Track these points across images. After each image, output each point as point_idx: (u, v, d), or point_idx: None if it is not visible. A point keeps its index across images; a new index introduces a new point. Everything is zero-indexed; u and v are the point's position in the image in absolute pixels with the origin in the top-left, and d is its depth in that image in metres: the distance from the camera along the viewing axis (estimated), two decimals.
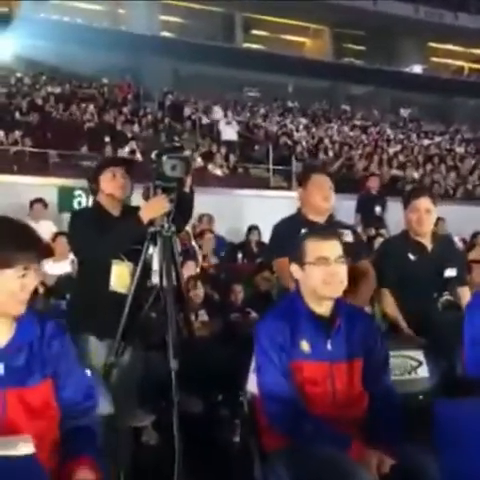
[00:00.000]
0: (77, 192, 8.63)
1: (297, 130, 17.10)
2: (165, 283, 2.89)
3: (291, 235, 2.61)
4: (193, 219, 7.93)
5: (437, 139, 19.27)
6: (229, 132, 14.36)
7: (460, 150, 17.85)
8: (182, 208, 3.00)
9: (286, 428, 2.08)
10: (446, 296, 3.11)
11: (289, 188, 11.36)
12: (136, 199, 3.18)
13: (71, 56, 17.78)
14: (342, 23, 25.42)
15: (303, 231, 2.70)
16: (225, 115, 15.95)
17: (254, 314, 4.80)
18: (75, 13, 21.84)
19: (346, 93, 26.05)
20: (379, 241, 6.31)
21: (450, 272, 3.24)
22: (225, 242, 8.28)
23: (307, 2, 21.94)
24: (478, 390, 2.30)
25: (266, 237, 3.77)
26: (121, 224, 2.98)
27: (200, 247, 6.88)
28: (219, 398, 3.69)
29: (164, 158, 2.83)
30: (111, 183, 3.10)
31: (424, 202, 3.34)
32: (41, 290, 5.38)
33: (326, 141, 16.07)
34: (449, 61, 29.24)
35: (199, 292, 4.95)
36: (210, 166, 12.36)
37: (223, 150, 13.29)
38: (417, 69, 27.02)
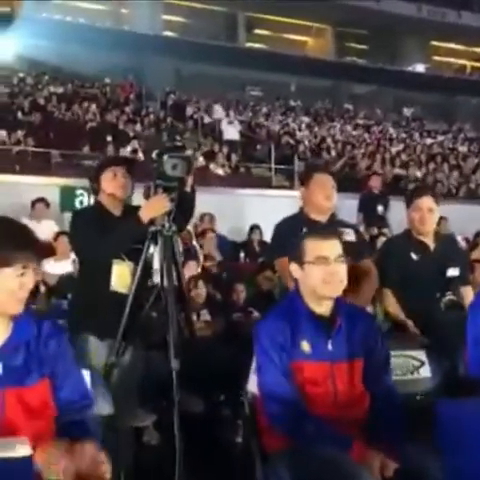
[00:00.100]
0: (79, 192, 8.62)
1: (299, 129, 17.08)
2: (166, 283, 2.88)
3: (293, 234, 2.60)
4: (195, 218, 7.93)
5: (440, 138, 19.23)
6: (231, 131, 14.35)
7: (463, 149, 17.82)
8: (183, 207, 2.99)
9: (287, 428, 2.07)
10: (449, 296, 3.09)
11: (291, 187, 11.35)
12: (137, 198, 3.17)
13: (73, 56, 17.82)
14: (345, 22, 25.41)
15: (304, 230, 2.68)
16: (227, 114, 15.94)
17: (256, 314, 4.79)
18: (77, 13, 21.88)
19: (349, 92, 26.03)
20: (381, 240, 6.28)
21: (453, 272, 3.22)
22: (227, 241, 8.27)
23: (309, 1, 21.93)
24: None
25: (268, 236, 3.76)
26: (122, 224, 2.97)
27: (201, 246, 6.87)
28: (221, 398, 3.67)
29: (165, 157, 2.82)
30: (112, 183, 3.09)
31: (427, 201, 3.32)
32: (42, 289, 5.38)
33: (329, 140, 16.05)
34: (452, 60, 29.20)
35: (201, 292, 4.94)
36: (212, 165, 12.35)
37: (225, 149, 13.28)
38: (420, 68, 27.00)
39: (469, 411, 2.03)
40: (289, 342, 2.12)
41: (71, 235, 3.28)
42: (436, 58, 28.62)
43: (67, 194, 8.79)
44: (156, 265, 3.00)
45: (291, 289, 2.38)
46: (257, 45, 25.68)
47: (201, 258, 6.41)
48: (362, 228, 7.34)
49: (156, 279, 3.07)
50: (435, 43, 27.93)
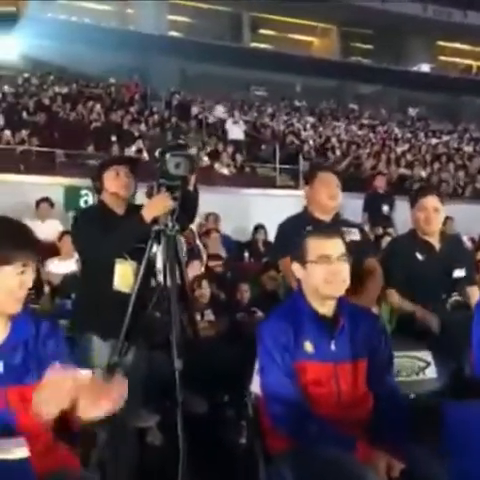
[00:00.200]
0: (83, 191, 8.61)
1: (304, 129, 17.06)
2: (169, 282, 2.86)
3: (296, 234, 2.57)
4: (199, 218, 7.92)
5: (445, 138, 19.17)
6: (236, 131, 14.33)
7: (468, 149, 17.74)
8: (186, 207, 2.97)
9: (290, 429, 2.05)
10: (455, 297, 3.06)
11: (296, 187, 11.31)
12: (140, 198, 3.15)
13: (78, 56, 17.85)
14: (350, 22, 25.38)
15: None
16: (232, 114, 15.93)
17: (260, 313, 4.76)
18: (83, 13, 21.92)
19: (354, 92, 26.00)
20: (386, 240, 6.25)
21: (459, 272, 3.18)
22: (231, 241, 8.25)
23: (314, 1, 21.91)
24: None
25: (272, 236, 3.75)
26: (124, 223, 2.95)
27: (205, 246, 6.85)
28: (225, 399, 3.65)
29: (168, 156, 2.80)
30: (115, 182, 3.07)
31: (432, 201, 3.28)
32: (47, 289, 5.37)
33: (333, 140, 16.02)
34: (457, 60, 29.10)
35: (205, 292, 4.92)
36: (217, 165, 12.34)
37: (230, 149, 13.27)
38: (425, 68, 26.93)
39: (476, 413, 2.01)
40: (292, 342, 2.10)
41: (73, 234, 3.26)
42: (442, 58, 28.53)
43: (71, 194, 8.79)
44: (159, 265, 2.98)
45: (295, 289, 2.35)
46: (262, 45, 25.66)
47: (204, 257, 6.39)
48: (367, 228, 7.31)
49: (160, 279, 3.05)
50: (441, 43, 27.86)
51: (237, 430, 3.43)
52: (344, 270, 2.13)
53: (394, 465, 1.89)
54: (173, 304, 2.79)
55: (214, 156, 12.72)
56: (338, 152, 14.96)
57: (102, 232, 2.85)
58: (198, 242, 6.65)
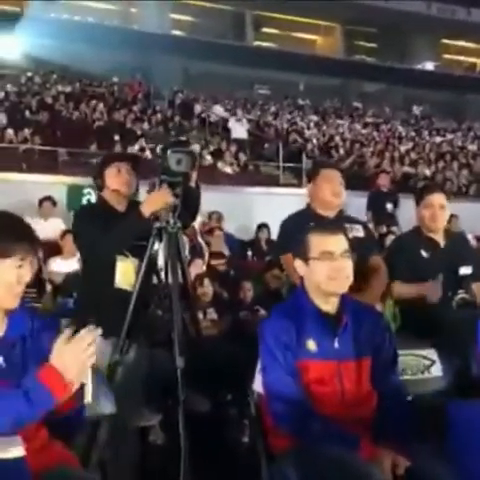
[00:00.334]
0: (86, 190, 8.59)
1: (308, 128, 17.02)
2: (170, 280, 2.83)
3: (299, 230, 2.54)
4: (202, 216, 7.91)
5: (449, 136, 19.11)
6: (239, 130, 14.31)
7: (473, 147, 17.68)
8: (188, 203, 2.93)
9: (292, 428, 2.02)
10: (461, 294, 3.02)
11: (299, 185, 11.29)
12: (143, 196, 3.11)
13: (81, 55, 17.88)
14: (353, 20, 25.35)
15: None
16: (235, 113, 15.91)
17: (263, 312, 4.73)
18: (86, 12, 21.95)
19: (358, 91, 25.97)
20: (390, 239, 6.22)
21: (465, 270, 3.15)
22: (234, 240, 8.23)
23: (318, 0, 21.86)
24: None
25: (276, 235, 3.73)
26: (124, 220, 2.92)
27: (208, 244, 6.83)
28: (228, 398, 3.62)
29: (169, 152, 2.76)
30: (116, 179, 3.05)
31: (438, 198, 3.26)
32: (49, 288, 5.36)
33: (337, 138, 15.99)
34: (461, 58, 29.02)
35: (208, 290, 4.90)
36: (220, 164, 12.32)
37: (233, 148, 13.25)
38: (429, 66, 26.90)
39: None
40: (294, 341, 2.07)
41: (74, 232, 3.24)
42: (446, 56, 28.47)
43: (74, 192, 8.78)
44: (161, 262, 2.95)
45: (297, 286, 2.31)
46: (265, 44, 25.63)
47: (206, 255, 6.36)
48: (371, 226, 7.27)
49: (161, 276, 3.02)
50: (445, 41, 27.80)
51: (240, 429, 3.41)
52: (347, 266, 2.10)
53: (399, 463, 1.87)
54: (175, 302, 2.76)
55: (217, 155, 12.70)
56: (342, 151, 14.92)
57: (102, 229, 2.81)
58: (200, 240, 6.62)
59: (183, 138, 2.98)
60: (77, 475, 1.75)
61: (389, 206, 8.83)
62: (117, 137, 12.08)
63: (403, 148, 16.30)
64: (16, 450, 1.44)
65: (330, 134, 16.58)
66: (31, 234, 1.78)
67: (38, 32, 17.22)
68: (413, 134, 18.76)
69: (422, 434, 2.07)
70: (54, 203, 7.68)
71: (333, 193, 3.17)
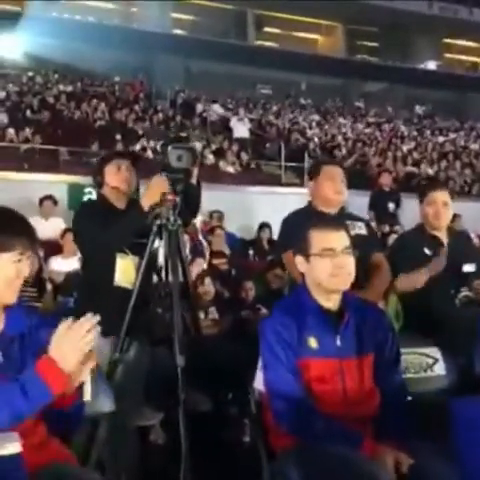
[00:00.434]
0: (87, 189, 8.57)
1: (310, 127, 17.00)
2: (171, 277, 2.80)
3: (301, 227, 2.52)
4: (203, 215, 7.89)
5: (452, 136, 19.07)
6: (241, 129, 14.30)
7: (475, 147, 17.65)
8: (189, 200, 2.91)
9: (293, 426, 1.99)
10: (464, 292, 3.00)
11: (301, 185, 11.27)
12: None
13: (82, 54, 17.88)
14: (355, 20, 25.34)
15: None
16: (237, 113, 15.90)
17: (265, 311, 4.71)
18: (87, 11, 21.95)
19: (360, 90, 25.95)
20: (393, 238, 6.19)
21: (469, 267, 3.13)
22: (236, 239, 8.21)
23: None
24: None
25: (277, 234, 3.71)
26: (123, 217, 2.89)
27: (209, 243, 6.81)
28: (229, 397, 3.60)
29: (169, 148, 2.74)
30: (116, 176, 3.04)
31: (441, 195, 3.24)
32: (49, 287, 5.33)
33: (339, 138, 15.96)
34: (464, 57, 28.98)
35: (209, 289, 4.87)
36: (222, 163, 12.31)
37: (235, 147, 13.24)
38: (431, 65, 26.85)
39: None
40: (295, 339, 2.04)
41: (74, 230, 3.22)
42: (448, 55, 28.43)
43: (75, 192, 8.76)
44: (161, 260, 2.93)
45: (299, 283, 2.29)
46: (267, 43, 25.62)
47: (207, 254, 6.34)
48: (373, 225, 7.25)
49: (162, 274, 3.00)
50: (447, 40, 27.77)
51: (240, 428, 3.39)
52: (349, 263, 2.07)
53: (402, 461, 1.85)
54: (175, 300, 2.73)
55: (219, 154, 12.69)
56: (344, 150, 14.90)
57: (102, 226, 2.79)
58: (201, 238, 6.60)
59: (184, 134, 2.93)
60: (74, 473, 1.73)
61: (391, 205, 8.82)
62: (118, 136, 12.08)
63: (405, 147, 16.27)
64: (12, 446, 1.43)
65: (332, 133, 16.57)
66: (30, 230, 1.79)
67: (39, 31, 17.23)
68: (415, 133, 18.73)
69: (425, 432, 2.05)
70: (55, 202, 7.67)
71: (335, 191, 3.14)
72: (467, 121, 22.27)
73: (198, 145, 10.21)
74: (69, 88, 15.59)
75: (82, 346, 1.59)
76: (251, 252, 8.01)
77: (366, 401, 2.05)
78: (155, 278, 3.05)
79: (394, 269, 3.11)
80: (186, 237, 5.00)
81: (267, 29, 26.06)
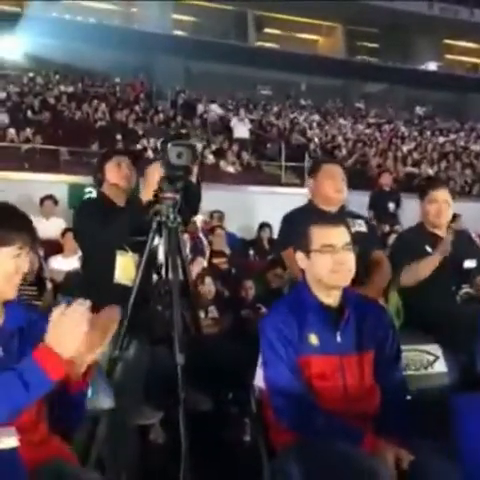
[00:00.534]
0: (88, 189, 8.58)
1: (310, 128, 17.00)
2: (171, 276, 2.79)
3: (301, 225, 2.51)
4: (204, 215, 7.89)
5: (452, 136, 19.07)
6: (241, 130, 14.30)
7: (476, 147, 17.64)
8: (189, 198, 2.90)
9: (294, 423, 1.98)
10: (465, 289, 3.00)
11: (302, 185, 11.27)
12: None
13: (83, 55, 17.86)
14: (355, 20, 25.31)
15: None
16: (237, 113, 15.91)
17: (264, 310, 4.70)
18: (87, 12, 21.96)
19: (360, 91, 25.93)
20: (393, 237, 6.18)
21: (470, 263, 3.12)
22: (236, 239, 8.21)
23: (320, 0, 21.84)
24: None
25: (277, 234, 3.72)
26: (122, 213, 2.89)
27: (210, 243, 6.81)
28: (229, 396, 3.59)
29: (169, 146, 2.73)
30: (116, 173, 3.05)
31: (442, 193, 3.24)
32: (49, 286, 5.33)
33: (340, 139, 15.96)
34: (464, 58, 28.96)
35: (210, 288, 4.87)
36: (222, 163, 12.31)
37: (235, 147, 13.24)
38: (432, 66, 26.82)
39: None
40: (296, 336, 2.04)
41: (74, 228, 3.23)
42: (448, 56, 28.40)
43: (76, 191, 8.78)
44: (161, 257, 2.92)
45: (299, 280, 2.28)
46: (267, 44, 25.61)
47: (207, 252, 6.34)
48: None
49: (161, 272, 2.99)
50: (447, 41, 27.74)
51: (241, 428, 3.38)
52: (349, 259, 2.06)
53: (403, 457, 1.84)
54: (175, 297, 2.72)
55: (219, 154, 12.69)
56: (344, 150, 14.90)
57: (101, 223, 2.79)
58: (201, 236, 6.59)
59: (184, 131, 2.93)
60: (74, 472, 1.72)
61: (391, 205, 8.82)
62: (119, 137, 12.09)
63: (406, 148, 16.26)
64: (9, 441, 1.42)
65: (332, 134, 16.56)
66: (30, 225, 1.79)
67: (40, 32, 17.23)
68: (416, 134, 18.72)
69: (426, 430, 2.04)
70: (55, 202, 7.69)
71: (335, 189, 3.14)
72: (467, 122, 22.24)
73: (199, 145, 10.19)
74: (70, 89, 15.59)
75: (78, 330, 1.58)
76: (251, 252, 8.01)
77: (366, 398, 2.04)
78: (155, 276, 3.05)
79: (396, 266, 3.10)
80: (186, 236, 5.00)
81: (267, 30, 26.06)
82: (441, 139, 18.39)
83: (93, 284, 2.97)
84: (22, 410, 1.56)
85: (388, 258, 3.19)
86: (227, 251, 6.88)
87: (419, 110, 24.17)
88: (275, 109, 18.99)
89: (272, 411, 2.05)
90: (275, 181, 12.49)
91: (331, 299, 2.10)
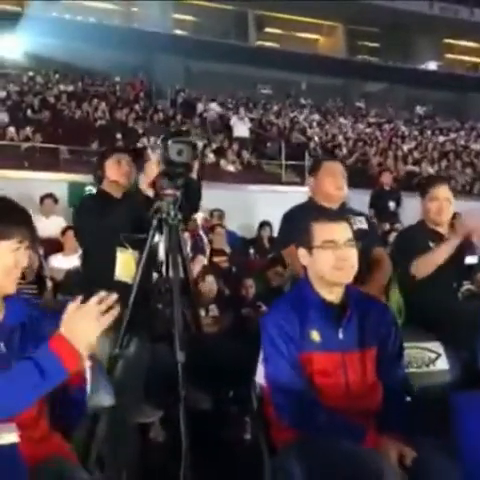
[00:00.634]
0: (87, 187, 8.56)
1: (310, 127, 16.99)
2: (171, 273, 2.78)
3: (302, 222, 2.50)
4: (204, 213, 7.87)
5: (452, 135, 19.06)
6: (241, 129, 14.29)
7: (476, 147, 17.65)
8: (189, 195, 2.89)
9: (295, 419, 1.97)
10: (467, 285, 2.98)
11: (302, 184, 11.26)
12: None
13: (83, 54, 17.84)
14: (356, 20, 25.28)
15: None
16: (237, 112, 15.90)
17: (265, 308, 4.69)
18: (88, 12, 21.94)
19: (360, 90, 25.91)
20: (394, 236, 6.16)
21: (471, 259, 3.11)
22: (237, 237, 8.19)
23: None
24: None
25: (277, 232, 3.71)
26: (119, 205, 2.89)
27: (210, 241, 6.79)
28: (229, 395, 3.58)
29: (170, 143, 2.72)
30: (116, 170, 3.05)
31: (443, 191, 3.22)
32: (49, 285, 5.32)
33: (340, 138, 15.96)
34: (464, 57, 28.94)
35: (213, 287, 4.86)
36: (222, 162, 12.30)
37: (235, 146, 13.23)
38: (432, 66, 26.80)
39: None
40: (298, 333, 2.02)
41: (74, 225, 3.23)
42: (448, 56, 28.38)
43: (75, 190, 8.77)
44: (161, 254, 2.91)
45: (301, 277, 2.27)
46: (268, 43, 25.59)
47: (208, 250, 6.32)
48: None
49: (162, 269, 2.98)
50: (447, 41, 27.72)
51: (241, 426, 3.37)
52: (352, 256, 2.05)
53: (406, 453, 1.82)
54: (175, 295, 2.71)
55: (220, 153, 12.68)
56: (344, 149, 14.90)
57: (99, 216, 2.80)
58: (202, 233, 6.57)
59: (184, 128, 2.92)
60: (73, 470, 1.71)
61: (391, 204, 8.83)
62: (119, 136, 12.08)
63: (406, 147, 16.27)
64: (9, 436, 1.41)
65: (333, 133, 16.56)
66: (29, 220, 1.79)
67: (40, 31, 17.21)
68: (416, 133, 18.72)
69: (427, 427, 2.03)
70: (55, 200, 7.66)
71: (336, 186, 3.14)
72: (468, 121, 22.24)
73: (200, 144, 10.17)
74: (70, 88, 15.58)
75: (96, 326, 1.57)
76: (252, 251, 7.99)
77: (369, 394, 2.03)
78: (155, 274, 3.04)
79: (400, 262, 3.08)
80: (186, 235, 4.98)
81: (268, 29, 26.03)
82: (441, 138, 18.39)
83: (93, 282, 2.94)
84: (36, 400, 1.55)
85: (390, 255, 3.18)
86: (227, 250, 6.87)
87: (419, 109, 24.16)
88: (275, 108, 18.99)
89: (273, 408, 2.04)
90: (275, 180, 12.48)
91: (333, 296, 2.08)
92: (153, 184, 2.85)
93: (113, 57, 19.28)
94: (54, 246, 6.34)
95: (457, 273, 3.05)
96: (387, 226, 8.05)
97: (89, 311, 1.56)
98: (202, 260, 5.59)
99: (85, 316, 1.56)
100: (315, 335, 2.03)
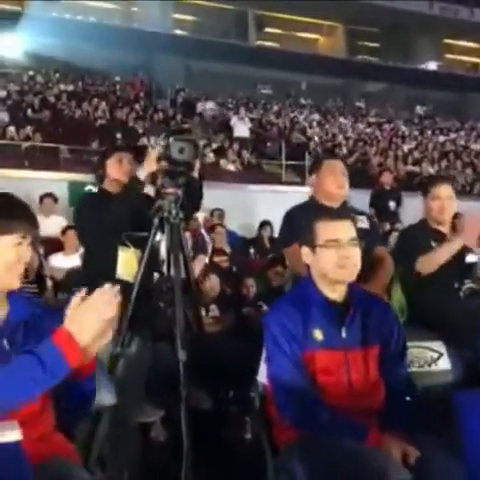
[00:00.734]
0: (88, 187, 8.55)
1: (310, 127, 16.99)
2: (173, 272, 2.78)
3: (304, 221, 2.49)
4: (204, 213, 7.86)
5: (452, 136, 19.06)
6: (241, 129, 14.28)
7: (476, 147, 17.64)
8: (191, 194, 2.89)
9: (297, 418, 1.96)
10: (468, 284, 2.97)
11: (302, 183, 11.26)
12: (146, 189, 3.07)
13: (83, 53, 17.83)
14: (356, 20, 25.27)
15: None
16: (237, 112, 15.89)
17: (266, 308, 4.68)
18: (88, 11, 21.93)
19: (360, 90, 25.91)
20: (394, 236, 6.17)
21: (472, 257, 3.10)
22: (237, 237, 8.19)
23: None
24: None
25: (278, 232, 3.70)
26: (117, 200, 2.89)
27: (212, 241, 6.78)
28: (230, 394, 3.58)
29: (171, 140, 2.71)
30: (118, 169, 3.05)
31: (445, 190, 3.22)
32: (50, 284, 5.31)
33: (340, 137, 15.95)
34: (464, 57, 28.94)
35: (216, 285, 4.86)
36: (222, 162, 12.29)
37: (235, 146, 13.22)
38: (432, 66, 26.80)
39: None
40: (300, 331, 2.02)
41: (75, 223, 3.22)
42: (448, 56, 28.38)
43: (75, 189, 8.75)
44: (163, 253, 2.90)
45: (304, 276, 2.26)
46: (268, 43, 25.58)
47: (209, 249, 6.32)
48: None
49: (164, 268, 2.97)
50: (447, 41, 27.71)
51: (242, 426, 3.36)
52: (355, 254, 2.05)
53: (410, 452, 1.81)
54: (177, 294, 2.71)
55: (220, 153, 12.67)
56: (345, 149, 14.90)
57: (97, 211, 2.80)
58: (203, 232, 6.56)
59: (185, 126, 2.92)
60: (74, 469, 1.70)
61: (392, 204, 8.82)
62: (119, 135, 12.07)
63: (406, 147, 16.26)
64: (12, 434, 1.40)
65: (333, 133, 16.56)
66: (31, 214, 1.79)
67: (40, 31, 17.20)
68: (416, 133, 18.72)
69: (430, 426, 2.02)
70: (55, 200, 7.65)
71: (337, 185, 3.13)
72: (468, 121, 22.23)
73: (201, 142, 10.19)
74: (70, 87, 15.58)
75: (104, 317, 1.55)
76: (252, 250, 7.99)
77: (371, 393, 2.03)
78: (156, 273, 3.03)
79: (404, 259, 3.07)
80: (187, 234, 4.97)
81: (268, 29, 26.02)
82: (441, 138, 18.38)
83: (94, 280, 2.94)
84: (38, 394, 1.54)
85: (393, 253, 3.18)
86: (228, 249, 6.87)
87: (419, 109, 24.16)
88: (275, 108, 18.99)
89: (275, 407, 2.03)
90: (275, 180, 12.47)
91: (336, 294, 2.08)
92: (153, 180, 2.85)
93: (113, 57, 19.27)
94: (54, 245, 6.33)
95: (459, 272, 3.05)
96: (387, 226, 8.05)
97: (94, 302, 1.55)
98: (203, 259, 5.58)
99: (90, 308, 1.55)
100: (318, 334, 2.02)
